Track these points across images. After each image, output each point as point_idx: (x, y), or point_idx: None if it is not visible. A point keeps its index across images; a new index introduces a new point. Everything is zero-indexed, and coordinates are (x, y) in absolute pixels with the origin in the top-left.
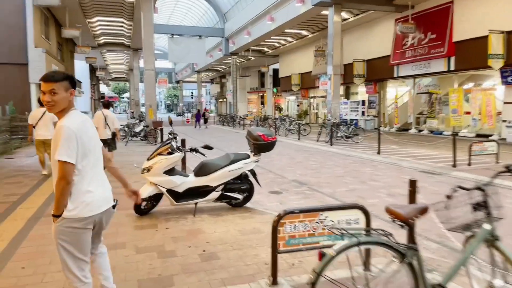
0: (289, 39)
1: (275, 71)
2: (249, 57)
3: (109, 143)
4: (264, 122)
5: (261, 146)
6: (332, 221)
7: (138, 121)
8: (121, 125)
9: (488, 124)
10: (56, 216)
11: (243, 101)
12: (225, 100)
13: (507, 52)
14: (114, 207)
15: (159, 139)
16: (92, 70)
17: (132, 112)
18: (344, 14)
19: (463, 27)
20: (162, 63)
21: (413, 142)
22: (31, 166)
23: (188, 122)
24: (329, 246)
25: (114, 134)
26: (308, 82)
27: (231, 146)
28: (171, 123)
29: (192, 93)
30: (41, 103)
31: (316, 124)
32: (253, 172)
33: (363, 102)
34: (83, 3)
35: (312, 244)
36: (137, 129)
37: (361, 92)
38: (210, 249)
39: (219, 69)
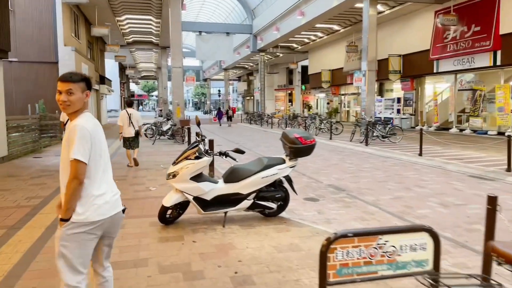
0: (320, 34)
1: (304, 68)
2: (277, 53)
3: (132, 140)
4: (293, 120)
5: (299, 150)
6: (393, 246)
7: (165, 119)
8: (148, 124)
9: None
10: (64, 220)
11: (270, 98)
12: (252, 98)
13: None
14: (123, 211)
15: (186, 138)
16: (122, 68)
17: (161, 110)
18: (380, 7)
19: (511, 19)
20: (189, 61)
21: (457, 142)
22: (57, 166)
23: (215, 120)
24: (389, 277)
25: (137, 132)
26: (339, 79)
27: (259, 146)
28: (199, 123)
29: (219, 91)
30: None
31: (348, 123)
32: (288, 179)
33: (399, 99)
34: (112, 1)
35: (369, 275)
36: (165, 128)
37: (396, 89)
38: (243, 270)
39: (246, 66)
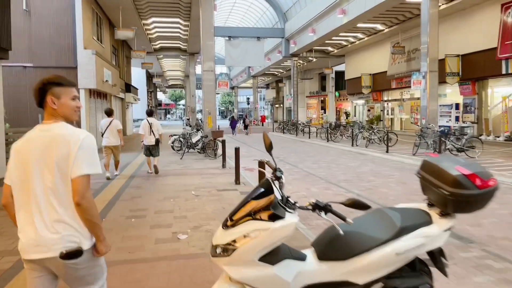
0: (360, 35)
1: (338, 74)
2: (310, 58)
3: (154, 149)
4: (335, 129)
5: (470, 199)
6: None
7: (195, 130)
8: (176, 135)
9: None
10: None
11: (301, 106)
12: (281, 105)
13: None
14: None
15: (219, 152)
16: (149, 77)
17: (188, 119)
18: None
19: None
20: (217, 68)
21: None
22: None
23: (245, 130)
24: None
25: (157, 140)
26: (381, 84)
27: (305, 161)
28: (270, 146)
29: (248, 98)
30: (108, 114)
31: (398, 132)
32: (439, 252)
33: (457, 105)
34: (137, 3)
35: None
36: (194, 140)
37: (452, 93)
38: None
39: (276, 73)
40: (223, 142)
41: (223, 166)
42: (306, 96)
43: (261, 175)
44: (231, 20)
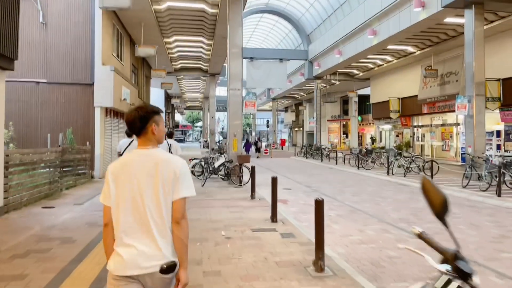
0: (389, 58)
1: (361, 97)
2: (333, 81)
3: None
4: (367, 155)
5: None
6: None
7: (217, 154)
8: (197, 159)
9: None
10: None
11: (323, 130)
12: (301, 129)
13: None
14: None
15: (246, 179)
16: (168, 98)
17: (206, 141)
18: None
19: None
20: None
21: None
22: (69, 227)
23: (266, 153)
24: None
25: None
26: (410, 108)
27: (343, 193)
28: (443, 208)
29: (268, 121)
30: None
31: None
32: None
33: (498, 132)
34: (160, 19)
35: None
36: (217, 165)
37: (490, 119)
38: None
39: (296, 96)
40: (253, 168)
41: (252, 196)
42: (328, 120)
43: (318, 214)
44: (253, 41)
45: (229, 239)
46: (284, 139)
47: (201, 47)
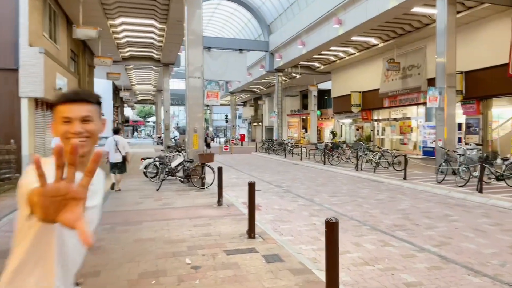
0: (351, 50)
1: (320, 91)
2: (294, 74)
3: (120, 166)
4: (334, 150)
5: None
6: None
7: (174, 152)
8: (150, 158)
9: None
10: None
11: (283, 125)
12: (260, 124)
13: None
14: None
15: (211, 180)
16: (116, 90)
17: (159, 137)
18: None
19: None
20: None
21: None
22: None
23: (226, 149)
24: None
25: (124, 158)
26: (372, 102)
27: (319, 193)
28: None
29: (226, 116)
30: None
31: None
32: None
33: (459, 126)
34: None
35: None
36: (174, 164)
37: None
38: None
39: (255, 90)
40: (219, 169)
41: (219, 202)
42: (287, 115)
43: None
44: (210, 30)
45: (198, 270)
46: (243, 135)
47: (153, 32)
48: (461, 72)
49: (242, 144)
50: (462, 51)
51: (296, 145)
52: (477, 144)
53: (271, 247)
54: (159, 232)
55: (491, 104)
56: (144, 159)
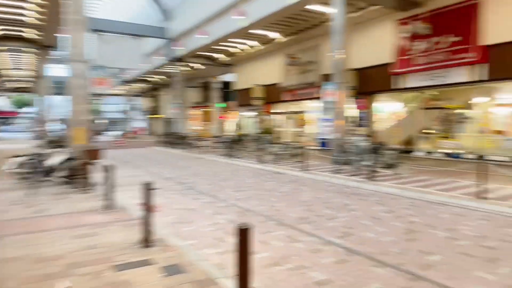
0: (254, 43)
1: (223, 84)
2: (196, 65)
3: None
4: (238, 143)
5: None
6: None
7: (56, 148)
8: (25, 156)
9: None
10: None
11: (184, 117)
12: (159, 116)
13: None
14: None
15: (100, 180)
16: None
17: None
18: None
19: (502, 28)
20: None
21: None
22: None
23: (122, 143)
24: None
25: None
26: (273, 96)
27: (223, 188)
28: None
29: (122, 107)
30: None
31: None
32: None
33: (351, 119)
34: None
35: None
36: (53, 162)
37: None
38: None
39: (154, 79)
40: (110, 167)
41: (109, 206)
42: (189, 107)
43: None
44: (102, 11)
45: None
46: (142, 127)
47: (21, 7)
48: (355, 69)
49: (140, 138)
50: (355, 49)
51: (199, 139)
52: (367, 136)
53: (171, 255)
54: (28, 249)
55: (376, 99)
56: (16, 157)
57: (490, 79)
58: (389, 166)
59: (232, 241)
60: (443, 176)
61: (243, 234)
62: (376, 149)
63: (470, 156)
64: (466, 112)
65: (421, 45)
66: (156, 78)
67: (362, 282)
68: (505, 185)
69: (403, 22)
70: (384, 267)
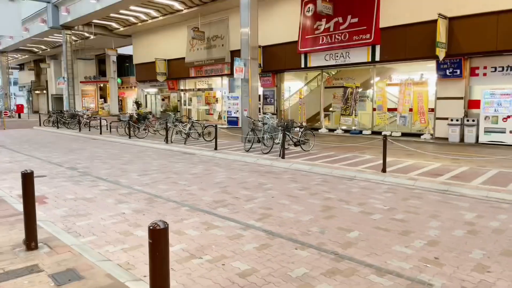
0: (154, 13)
1: (121, 57)
2: (87, 34)
3: None
4: (140, 122)
5: None
6: None
7: None
8: None
9: (421, 121)
10: None
11: (76, 93)
12: (43, 92)
13: (449, 42)
14: None
15: None
16: None
17: None
18: None
19: (393, 11)
20: None
21: (363, 145)
22: None
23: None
24: None
25: None
26: (178, 72)
27: (126, 173)
28: None
29: None
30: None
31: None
32: None
33: (259, 97)
34: None
35: None
36: None
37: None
38: None
39: (35, 50)
40: None
41: None
42: (81, 82)
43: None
44: None
45: None
46: (22, 105)
47: None
48: (260, 47)
49: (20, 117)
50: (261, 26)
51: (94, 117)
52: (273, 114)
53: (64, 258)
54: None
55: (284, 78)
56: None
57: (382, 60)
58: (298, 143)
59: (140, 234)
60: (346, 151)
61: (157, 236)
62: (288, 126)
63: (368, 132)
64: (364, 91)
65: (324, 24)
66: (38, 47)
67: (287, 267)
68: (402, 159)
69: (307, 0)
70: (307, 249)
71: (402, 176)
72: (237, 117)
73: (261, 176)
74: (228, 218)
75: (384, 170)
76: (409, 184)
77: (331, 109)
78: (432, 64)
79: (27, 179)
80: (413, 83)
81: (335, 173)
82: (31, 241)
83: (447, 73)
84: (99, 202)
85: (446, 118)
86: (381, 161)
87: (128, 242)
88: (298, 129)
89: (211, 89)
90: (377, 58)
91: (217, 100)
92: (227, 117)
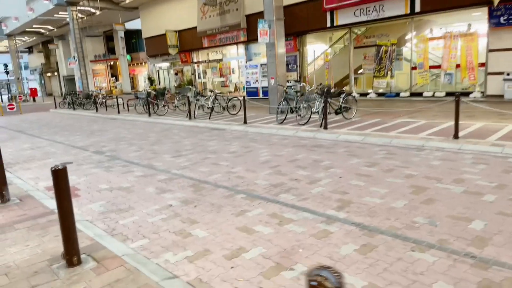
0: None
1: (128, 32)
2: (93, 9)
3: None
4: (159, 99)
5: None
6: None
7: None
8: None
9: (469, 78)
10: None
11: (87, 73)
12: (55, 74)
13: None
14: None
15: None
16: None
17: None
18: None
19: None
20: None
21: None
22: None
23: (12, 109)
24: None
25: None
26: (190, 43)
27: (158, 155)
28: None
29: (6, 66)
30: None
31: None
32: None
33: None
34: None
35: None
36: None
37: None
38: None
39: (42, 31)
40: None
41: (2, 197)
42: (91, 61)
43: None
44: None
45: None
46: (35, 88)
47: None
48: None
49: (34, 101)
50: None
51: (110, 96)
52: (295, 81)
53: (117, 277)
54: None
55: (306, 41)
56: None
57: (422, 11)
58: (339, 111)
59: (201, 234)
60: (393, 117)
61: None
62: (328, 93)
63: (406, 94)
64: (400, 48)
65: None
66: (45, 28)
67: (420, 282)
68: (465, 121)
69: None
70: (428, 250)
71: (481, 142)
72: (256, 88)
73: (311, 152)
74: (299, 208)
75: (456, 136)
76: (496, 152)
77: (361, 71)
78: (479, 13)
79: (60, 176)
80: (460, 35)
81: (397, 143)
82: (72, 256)
83: (501, 21)
84: (139, 192)
85: (501, 73)
86: (442, 126)
87: (189, 246)
88: (336, 96)
89: (223, 59)
90: (417, 9)
91: (232, 71)
92: (246, 87)
